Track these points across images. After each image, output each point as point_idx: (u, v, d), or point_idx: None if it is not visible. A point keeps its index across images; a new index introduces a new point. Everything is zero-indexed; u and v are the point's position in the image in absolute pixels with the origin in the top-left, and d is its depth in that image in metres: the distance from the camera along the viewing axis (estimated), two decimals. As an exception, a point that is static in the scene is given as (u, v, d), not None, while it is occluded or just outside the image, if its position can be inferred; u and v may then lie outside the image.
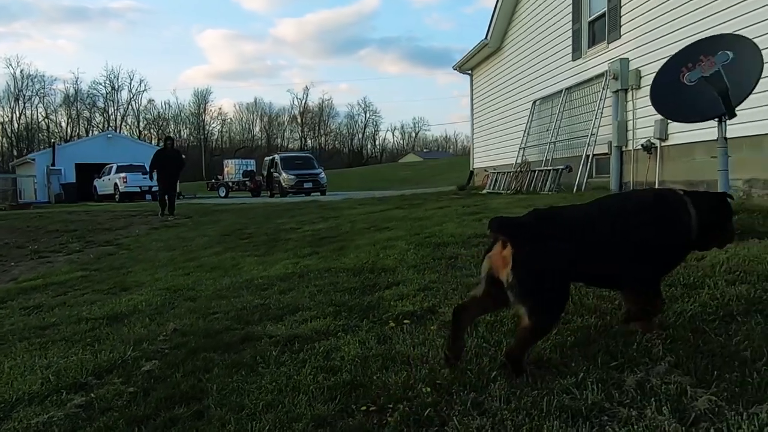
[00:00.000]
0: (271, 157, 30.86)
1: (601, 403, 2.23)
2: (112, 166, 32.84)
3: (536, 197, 10.11)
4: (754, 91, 6.92)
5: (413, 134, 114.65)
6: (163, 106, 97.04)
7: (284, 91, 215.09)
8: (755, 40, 6.75)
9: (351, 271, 4.99)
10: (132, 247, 10.50)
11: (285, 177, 27.62)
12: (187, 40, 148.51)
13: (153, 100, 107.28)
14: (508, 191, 12.45)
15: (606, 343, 2.78)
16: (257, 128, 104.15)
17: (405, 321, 3.45)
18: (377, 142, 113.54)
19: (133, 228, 13.97)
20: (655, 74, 4.95)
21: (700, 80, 4.03)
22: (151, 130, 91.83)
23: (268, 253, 7.22)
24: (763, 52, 6.62)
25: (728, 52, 4.00)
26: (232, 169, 35.70)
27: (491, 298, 2.58)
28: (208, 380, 2.97)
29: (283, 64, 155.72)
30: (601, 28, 10.71)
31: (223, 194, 33.94)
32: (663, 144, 8.66)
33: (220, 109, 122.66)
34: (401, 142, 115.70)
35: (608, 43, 10.34)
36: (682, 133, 8.21)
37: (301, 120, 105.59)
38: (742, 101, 4.49)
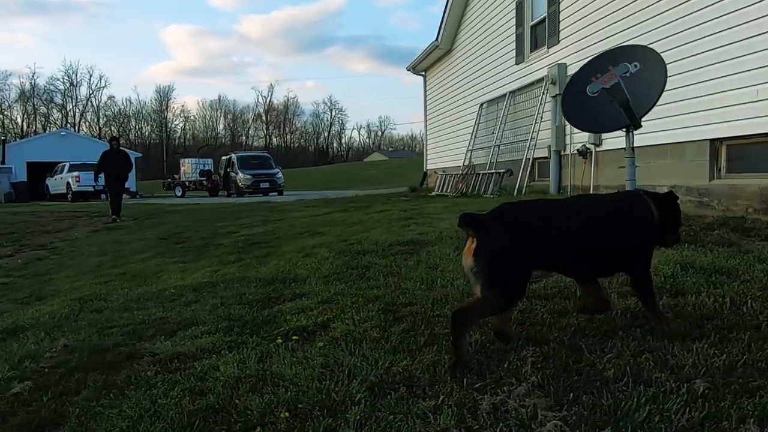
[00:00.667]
0: (227, 157, 30.48)
1: (450, 429, 2.19)
2: (64, 165, 32.00)
3: (477, 200, 10.14)
4: (675, 100, 7.06)
5: (379, 133, 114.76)
6: (125, 103, 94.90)
7: (249, 88, 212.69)
8: (683, 47, 6.89)
9: (263, 281, 4.89)
10: (65, 252, 10.21)
11: (241, 177, 27.31)
12: (150, 36, 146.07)
13: (114, 97, 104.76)
14: (454, 193, 12.47)
15: (479, 362, 2.75)
16: (221, 126, 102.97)
17: (294, 337, 3.37)
18: (343, 141, 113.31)
19: (74, 230, 13.63)
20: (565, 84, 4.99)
21: (601, 92, 4.05)
22: (112, 127, 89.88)
23: (194, 260, 7.07)
24: (693, 59, 6.77)
25: (628, 64, 4.02)
26: (188, 168, 35.15)
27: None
28: (72, 404, 2.85)
29: (249, 61, 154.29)
30: (542, 33, 10.79)
31: (179, 194, 33.40)
32: (597, 149, 8.76)
33: (182, 106, 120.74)
34: (367, 141, 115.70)
35: (548, 47, 10.43)
36: (614, 138, 8.29)
37: (266, 118, 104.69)
38: (648, 111, 4.53)
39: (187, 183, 34.31)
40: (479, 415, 2.27)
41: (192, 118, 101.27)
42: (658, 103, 7.30)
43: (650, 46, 7.33)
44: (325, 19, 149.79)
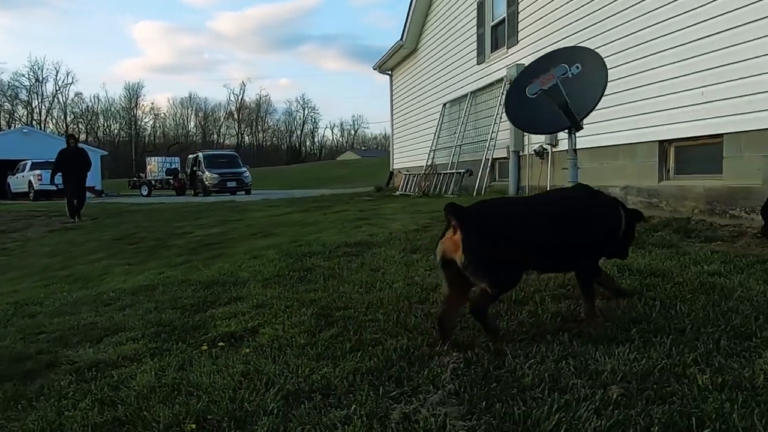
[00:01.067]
0: (194, 155, 30.08)
1: (358, 441, 2.13)
2: (26, 163, 31.25)
3: (437, 200, 10.11)
4: (628, 101, 7.12)
5: (352, 132, 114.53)
6: (92, 100, 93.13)
7: (221, 86, 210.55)
8: (636, 47, 6.93)
9: (203, 284, 4.78)
10: (15, 253, 9.94)
11: (208, 176, 26.98)
12: (120, 32, 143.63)
13: (81, 93, 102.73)
14: (416, 193, 12.44)
15: (401, 368, 2.70)
16: (192, 124, 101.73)
17: (220, 343, 3.28)
18: (316, 140, 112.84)
19: (29, 230, 13.29)
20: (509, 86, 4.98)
21: (540, 93, 4.02)
22: (79, 125, 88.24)
23: (143, 262, 6.91)
24: (646, 60, 6.81)
25: (567, 66, 4.01)
26: (155, 166, 34.61)
27: (455, 287, 2.86)
28: (-25, 417, 2.72)
29: (222, 58, 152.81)
30: (502, 33, 10.81)
31: (145, 193, 32.83)
32: (554, 150, 8.79)
33: (152, 103, 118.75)
34: (340, 139, 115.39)
35: (508, 48, 10.45)
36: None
37: (238, 116, 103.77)
38: (589, 113, 4.53)
39: (153, 182, 33.77)
40: (389, 425, 2.21)
41: (162, 115, 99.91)
42: (611, 105, 7.41)
43: (606, 46, 7.41)
44: (299, 17, 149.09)
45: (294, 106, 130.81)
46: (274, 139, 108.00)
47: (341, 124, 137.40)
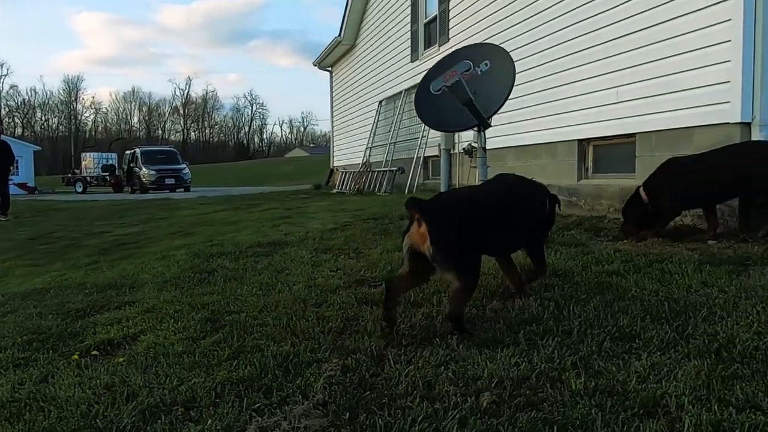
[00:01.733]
0: (131, 151, 29.16)
1: (205, 459, 1.98)
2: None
3: (366, 199, 10.00)
4: (549, 100, 7.15)
5: (302, 129, 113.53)
6: (29, 93, 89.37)
7: (166, 80, 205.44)
8: (558, 46, 6.98)
9: (99, 287, 4.53)
10: None
11: (145, 172, 26.21)
12: (60, 23, 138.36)
13: (16, 86, 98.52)
14: (351, 191, 12.31)
15: (274, 377, 2.55)
16: (136, 119, 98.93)
17: (94, 352, 3.07)
18: (265, 136, 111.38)
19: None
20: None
21: (444, 90, 3.94)
22: (15, 118, 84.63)
23: (50, 263, 6.55)
24: (567, 59, 6.84)
25: (470, 62, 3.94)
26: (90, 162, 33.38)
27: (416, 271, 2.96)
28: None
29: (168, 52, 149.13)
30: (434, 31, 10.78)
31: (80, 190, 31.62)
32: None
33: (93, 97, 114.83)
34: (290, 136, 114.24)
35: (439, 46, 10.42)
36: (495, 138, 8.35)
37: (184, 111, 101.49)
38: (496, 111, 4.48)
39: (88, 179, 32.57)
40: (243, 441, 2.07)
41: (104, 110, 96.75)
42: (534, 104, 7.45)
43: (529, 45, 7.43)
44: (248, 12, 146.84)
45: (242, 102, 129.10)
46: (222, 135, 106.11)
47: (290, 121, 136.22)
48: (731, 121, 4.72)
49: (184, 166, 27.54)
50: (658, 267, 3.81)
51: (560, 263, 4.07)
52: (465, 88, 3.84)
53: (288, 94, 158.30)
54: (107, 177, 31.25)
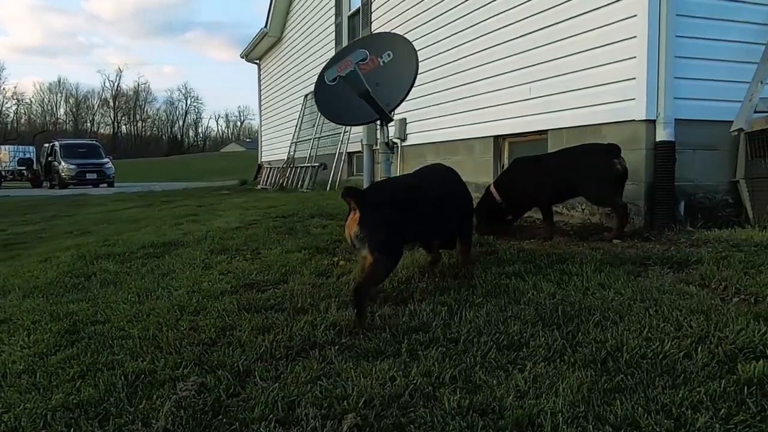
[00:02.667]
0: (50, 144, 27.67)
1: None
2: None
3: (284, 196, 9.67)
4: (466, 96, 7.02)
5: (239, 123, 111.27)
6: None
7: (94, 71, 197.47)
8: (476, 40, 6.84)
9: (-42, 294, 4.05)
10: None
11: (64, 167, 24.89)
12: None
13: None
14: (274, 188, 11.94)
15: (118, 401, 2.24)
16: (62, 111, 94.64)
17: None
18: (200, 130, 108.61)
19: None
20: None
21: (338, 80, 3.68)
22: (-74, 109, 79.54)
23: None
24: (483, 53, 6.70)
25: (365, 51, 3.71)
26: (5, 156, 31.46)
27: None
28: None
29: (99, 42, 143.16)
30: (358, 24, 10.53)
31: (-7, 185, 29.81)
32: (403, 144, 8.61)
33: (15, 87, 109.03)
34: (226, 130, 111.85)
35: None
36: (416, 134, 8.20)
37: (114, 104, 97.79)
38: (398, 104, 4.28)
39: (3, 173, 30.71)
40: (52, 482, 1.76)
41: (28, 101, 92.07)
42: (451, 99, 7.31)
43: (448, 38, 7.27)
44: (183, 3, 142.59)
45: (176, 95, 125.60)
46: (155, 129, 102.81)
47: (227, 115, 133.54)
48: (637, 119, 4.67)
49: (107, 160, 26.32)
50: (558, 268, 3.67)
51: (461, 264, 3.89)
52: (361, 78, 3.59)
53: (224, 87, 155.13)
54: (24, 171, 29.56)
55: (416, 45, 8.04)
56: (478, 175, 6.75)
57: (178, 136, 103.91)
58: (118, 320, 3.18)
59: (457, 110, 7.18)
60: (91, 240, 5.93)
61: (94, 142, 29.30)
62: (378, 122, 4.41)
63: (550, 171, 4.56)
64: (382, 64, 4.19)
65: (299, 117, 13.28)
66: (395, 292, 3.40)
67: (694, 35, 4.68)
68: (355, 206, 3.00)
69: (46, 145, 28.50)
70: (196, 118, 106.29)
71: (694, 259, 3.69)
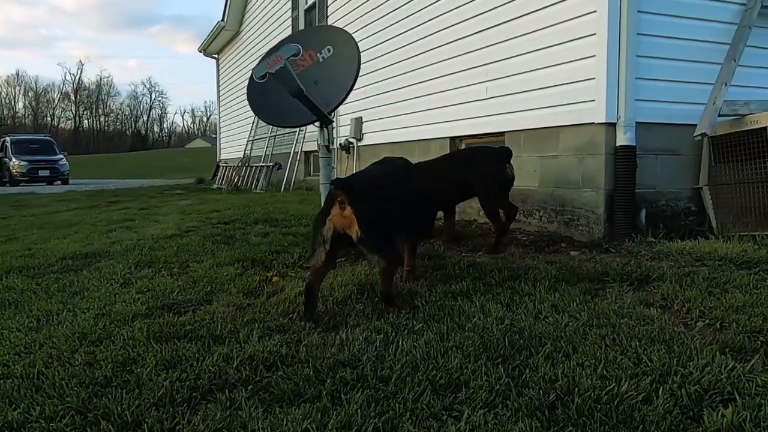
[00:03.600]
0: (1, 140, 26.58)
1: None
2: None
3: (233, 198, 9.23)
4: (422, 94, 6.69)
5: (205, 118, 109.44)
6: None
7: (55, 64, 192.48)
8: (430, 37, 6.51)
9: None
10: None
11: (15, 163, 23.89)
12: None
13: None
14: (229, 188, 11.46)
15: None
16: (21, 104, 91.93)
17: None
18: (165, 126, 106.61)
19: None
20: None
21: (268, 77, 3.30)
22: None
23: None
24: (440, 50, 6.33)
25: (298, 45, 3.33)
26: (-46, 152, 30.05)
27: (331, 259, 3.03)
28: None
29: (61, 34, 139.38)
30: (314, 18, 10.12)
31: (-63, 182, 28.41)
32: (359, 144, 8.26)
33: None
34: (192, 126, 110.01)
35: (319, 33, 9.76)
36: (373, 134, 7.86)
37: (75, 98, 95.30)
38: (338, 105, 3.91)
39: (-49, 170, 29.34)
40: None
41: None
42: (405, 98, 6.97)
43: (403, 34, 6.92)
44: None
45: (140, 89, 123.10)
46: (118, 123, 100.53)
47: (192, 111, 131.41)
48: (596, 122, 4.39)
49: (61, 156, 25.34)
50: (510, 286, 3.36)
51: (407, 283, 3.54)
52: (292, 75, 3.21)
53: (190, 82, 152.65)
54: (-28, 168, 28.30)
55: (372, 41, 7.72)
56: (435, 178, 6.41)
57: (143, 131, 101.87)
58: (3, 353, 2.75)
59: (413, 109, 6.85)
60: (13, 248, 5.42)
61: (47, 137, 28.21)
62: (317, 124, 4.03)
63: (438, 175, 4.43)
64: (321, 60, 3.82)
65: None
66: (328, 315, 3.04)
67: (657, 33, 4.42)
68: (348, 202, 2.83)
69: (-3, 141, 27.38)
70: (161, 113, 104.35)
71: (655, 275, 3.42)
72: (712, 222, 4.52)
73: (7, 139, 25.89)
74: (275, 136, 11.20)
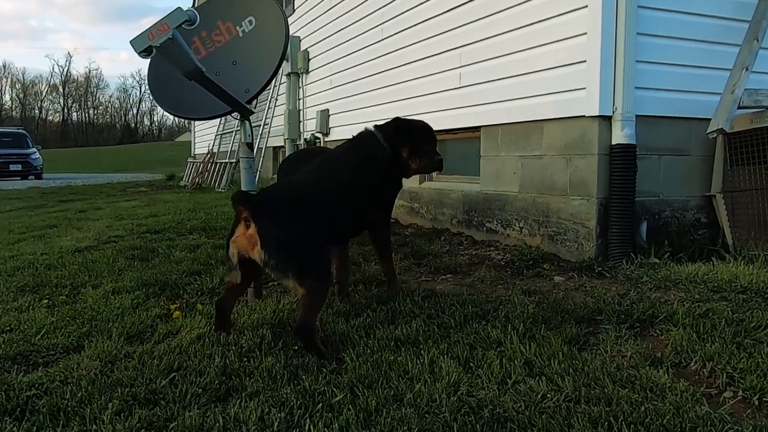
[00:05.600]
0: (-30, 134, 25.51)
1: None
2: None
3: (188, 198, 8.38)
4: (387, 84, 5.87)
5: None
6: None
7: (43, 56, 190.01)
8: (397, 19, 5.69)
9: None
10: None
11: (-16, 157, 22.85)
12: None
13: None
14: (192, 186, 10.60)
15: None
16: (8, 97, 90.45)
17: None
18: (155, 119, 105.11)
19: None
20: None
21: (155, 52, 2.48)
22: None
23: None
24: (408, 32, 5.48)
25: (193, 11, 2.53)
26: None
27: (248, 278, 2.62)
28: None
29: (51, 26, 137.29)
30: (281, 2, 9.25)
31: None
32: (326, 139, 7.43)
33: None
34: (182, 120, 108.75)
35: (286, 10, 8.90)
36: (340, 127, 7.04)
37: (64, 90, 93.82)
38: (260, 91, 3.09)
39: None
40: None
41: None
42: (370, 89, 6.16)
43: (372, 14, 6.10)
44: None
45: (129, 81, 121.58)
46: (107, 116, 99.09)
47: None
48: (587, 114, 3.58)
49: (33, 150, 24.23)
50: (473, 330, 2.56)
51: (337, 324, 2.73)
52: (184, 49, 2.38)
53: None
54: (-55, 163, 27.15)
55: (340, 23, 6.88)
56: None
57: (132, 124, 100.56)
58: None
59: (382, 100, 6.03)
60: None
61: (20, 130, 27.07)
62: (236, 116, 3.21)
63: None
64: (241, 34, 3.01)
65: (225, 106, 11.93)
66: (220, 378, 2.22)
67: (663, 6, 3.61)
68: (251, 218, 2.38)
69: (-32, 133, 26.26)
70: (151, 106, 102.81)
71: (662, 314, 2.62)
72: (727, 237, 3.72)
73: (-22, 132, 24.84)
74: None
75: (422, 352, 2.33)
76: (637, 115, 3.55)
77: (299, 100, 8.24)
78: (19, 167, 23.06)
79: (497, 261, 3.77)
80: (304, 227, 2.48)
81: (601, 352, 2.32)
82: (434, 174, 5.38)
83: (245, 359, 2.37)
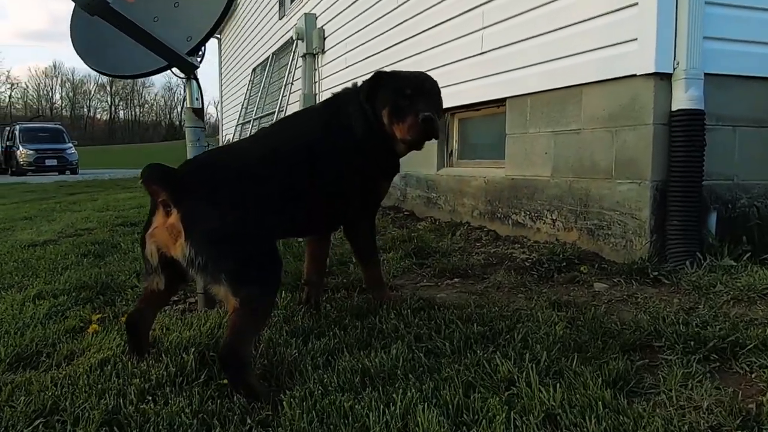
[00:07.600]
0: (10, 128, 25.77)
1: None
2: None
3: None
4: (404, 57, 5.13)
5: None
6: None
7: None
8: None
9: None
10: None
11: (22, 152, 22.96)
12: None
13: None
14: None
15: None
16: (58, 95, 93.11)
17: None
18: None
19: None
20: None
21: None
22: None
23: None
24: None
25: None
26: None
27: (174, 284, 1.97)
28: None
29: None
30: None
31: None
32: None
33: (8, 72, 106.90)
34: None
35: (303, -2, 8.23)
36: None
37: (111, 89, 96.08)
38: (208, 37, 2.39)
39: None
40: None
41: (23, 85, 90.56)
42: (395, 60, 5.44)
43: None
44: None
45: (174, 80, 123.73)
46: (153, 114, 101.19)
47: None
48: (639, 73, 2.77)
49: (70, 145, 24.31)
50: (475, 360, 1.81)
51: (289, 346, 2.02)
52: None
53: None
54: (-16, 157, 27.48)
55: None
56: (420, 164, 4.84)
57: (177, 121, 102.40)
58: None
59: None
60: None
61: (57, 126, 27.23)
62: (178, 73, 2.52)
63: None
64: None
65: (246, 94, 11.38)
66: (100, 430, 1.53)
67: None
68: (172, 202, 1.76)
69: (6, 128, 26.52)
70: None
71: (751, 341, 1.83)
72: (825, 233, 2.87)
73: (17, 127, 25.02)
74: (260, 117, 9.72)
75: (396, 394, 1.59)
76: (705, 74, 2.73)
77: (315, 83, 7.56)
78: (54, 162, 23.15)
79: (520, 261, 2.99)
80: (246, 212, 1.84)
81: (662, 400, 1.55)
82: (455, 158, 4.62)
83: (148, 399, 1.68)
